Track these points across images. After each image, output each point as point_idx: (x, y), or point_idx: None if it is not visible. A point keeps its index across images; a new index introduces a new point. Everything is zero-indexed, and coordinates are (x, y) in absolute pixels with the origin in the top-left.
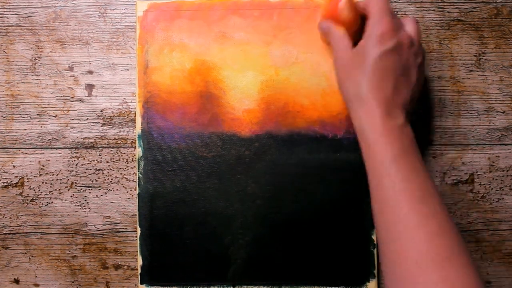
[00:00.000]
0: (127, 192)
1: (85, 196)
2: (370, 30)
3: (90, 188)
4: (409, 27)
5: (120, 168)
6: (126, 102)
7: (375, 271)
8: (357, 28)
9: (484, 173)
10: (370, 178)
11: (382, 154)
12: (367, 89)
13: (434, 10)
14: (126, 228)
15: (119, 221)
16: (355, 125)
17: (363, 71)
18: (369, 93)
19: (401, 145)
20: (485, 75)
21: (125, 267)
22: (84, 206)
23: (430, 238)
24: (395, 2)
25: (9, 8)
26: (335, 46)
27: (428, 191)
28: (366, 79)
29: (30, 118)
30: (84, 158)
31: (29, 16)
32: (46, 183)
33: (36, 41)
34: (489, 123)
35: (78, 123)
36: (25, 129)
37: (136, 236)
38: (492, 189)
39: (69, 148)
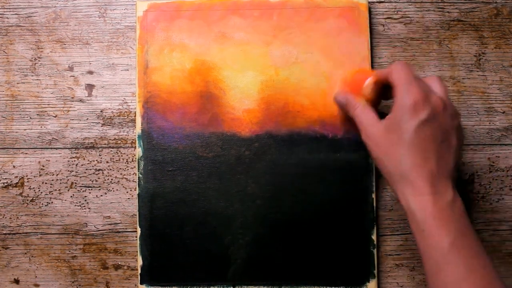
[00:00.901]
0: (127, 192)
1: (85, 196)
2: (400, 102)
3: (90, 188)
4: (436, 88)
5: (120, 168)
6: (126, 102)
7: (375, 271)
8: (376, 96)
9: (484, 173)
10: (426, 262)
11: (439, 240)
12: (409, 166)
13: (434, 10)
14: (126, 228)
15: (119, 221)
16: (402, 204)
17: (402, 147)
18: (412, 171)
19: (456, 227)
20: (485, 75)
21: (125, 267)
22: (84, 206)
23: None
24: (395, 2)
25: (9, 8)
26: (360, 120)
27: (491, 278)
28: (406, 155)
29: (30, 118)
30: (84, 158)
31: (29, 16)
32: (46, 183)
33: (36, 41)
34: (489, 123)
35: (78, 123)
36: (25, 129)
37: (136, 236)
38: (492, 189)
39: (69, 148)
